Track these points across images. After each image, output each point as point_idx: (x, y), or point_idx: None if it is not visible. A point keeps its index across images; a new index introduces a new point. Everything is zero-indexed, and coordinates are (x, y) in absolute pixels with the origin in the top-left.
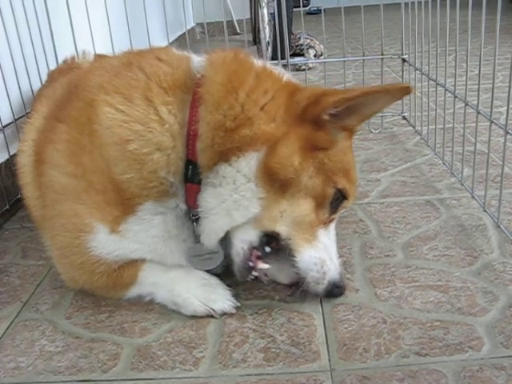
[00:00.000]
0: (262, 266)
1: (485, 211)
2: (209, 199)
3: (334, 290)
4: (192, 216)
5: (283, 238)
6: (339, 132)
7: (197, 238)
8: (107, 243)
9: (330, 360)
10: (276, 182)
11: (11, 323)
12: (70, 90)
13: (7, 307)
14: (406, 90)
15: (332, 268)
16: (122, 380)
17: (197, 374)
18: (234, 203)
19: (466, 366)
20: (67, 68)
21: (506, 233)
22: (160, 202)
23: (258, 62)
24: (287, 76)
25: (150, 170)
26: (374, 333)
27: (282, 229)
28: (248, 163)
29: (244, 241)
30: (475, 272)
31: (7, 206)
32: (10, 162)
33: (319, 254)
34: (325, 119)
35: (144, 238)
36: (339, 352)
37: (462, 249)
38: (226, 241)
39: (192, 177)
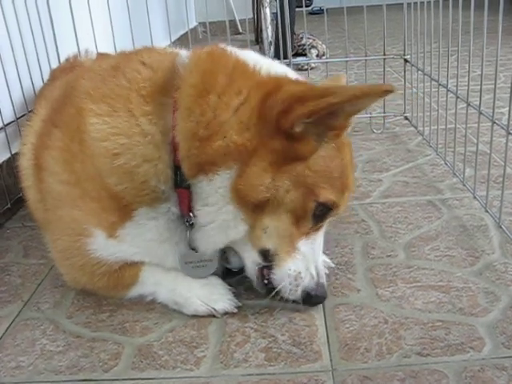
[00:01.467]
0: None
1: (486, 212)
2: (202, 213)
3: (308, 299)
4: (186, 221)
5: (271, 254)
6: (322, 135)
7: (190, 244)
8: (106, 246)
9: (331, 360)
10: (249, 204)
11: (12, 322)
12: (65, 93)
13: (8, 306)
14: (387, 92)
15: (307, 278)
16: (123, 379)
17: (198, 373)
18: (223, 222)
19: (467, 367)
20: (70, 67)
21: (507, 233)
22: (152, 208)
23: (236, 56)
24: (271, 67)
25: (141, 181)
26: (375, 333)
27: (267, 244)
28: (222, 183)
29: (253, 263)
30: (477, 272)
31: (8, 205)
32: (12, 161)
33: (295, 266)
34: (298, 131)
35: (140, 241)
36: (340, 352)
37: (463, 249)
38: (224, 249)
39: (181, 182)
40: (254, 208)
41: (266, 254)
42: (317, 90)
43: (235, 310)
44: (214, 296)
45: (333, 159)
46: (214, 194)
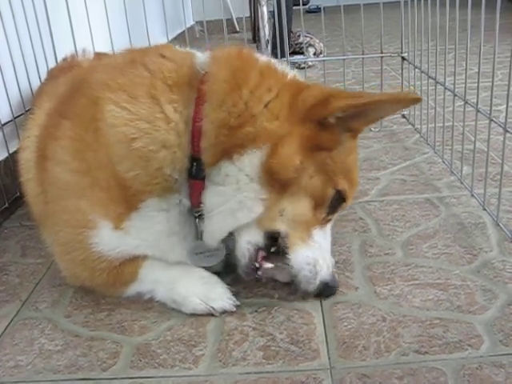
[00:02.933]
0: (267, 265)
1: (484, 209)
2: (212, 198)
3: (325, 290)
4: (195, 213)
5: (282, 237)
6: (344, 132)
7: (199, 235)
8: (110, 239)
9: (329, 358)
10: (277, 182)
11: (10, 322)
12: (73, 87)
13: (6, 306)
14: (415, 101)
15: (324, 268)
16: (121, 378)
17: (197, 372)
18: (237, 203)
19: (465, 364)
20: (68, 66)
21: (505, 231)
22: (163, 198)
23: (262, 59)
24: (292, 73)
25: (155, 168)
26: (373, 331)
27: (281, 227)
28: (250, 161)
29: (249, 242)
30: (474, 270)
31: (6, 204)
32: (10, 161)
33: (313, 254)
34: (331, 122)
35: (147, 234)
36: (339, 350)
37: (461, 247)
38: (228, 239)
39: (196, 173)
40: (279, 187)
41: (274, 237)
42: (348, 92)
43: (234, 309)
44: (212, 295)
45: (348, 155)
46: (235, 174)
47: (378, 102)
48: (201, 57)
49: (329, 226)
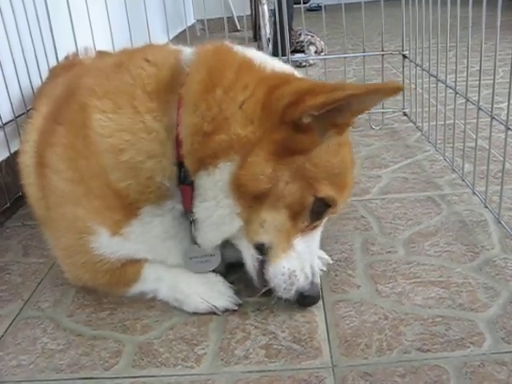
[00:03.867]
0: None
1: (486, 207)
2: (199, 211)
3: (303, 299)
4: (189, 217)
5: (266, 248)
6: (326, 131)
7: (193, 239)
8: (110, 245)
9: (331, 356)
10: (248, 195)
11: (13, 321)
12: (68, 91)
13: (9, 305)
14: (397, 90)
15: (301, 278)
16: (123, 377)
17: (199, 370)
18: (219, 218)
19: (467, 362)
20: (69, 64)
21: (506, 229)
22: (157, 205)
23: (241, 53)
24: (272, 65)
25: (146, 177)
26: (375, 329)
27: (264, 239)
28: (222, 176)
29: (252, 256)
30: (476, 268)
31: (8, 204)
32: (11, 160)
33: (290, 265)
34: (305, 122)
35: (146, 239)
36: (341, 348)
37: (463, 245)
38: (224, 245)
39: (184, 179)
40: (253, 200)
41: (261, 248)
42: (326, 85)
43: (236, 308)
44: (214, 293)
45: (334, 155)
46: (212, 188)
47: (355, 95)
48: (187, 54)
49: (316, 232)
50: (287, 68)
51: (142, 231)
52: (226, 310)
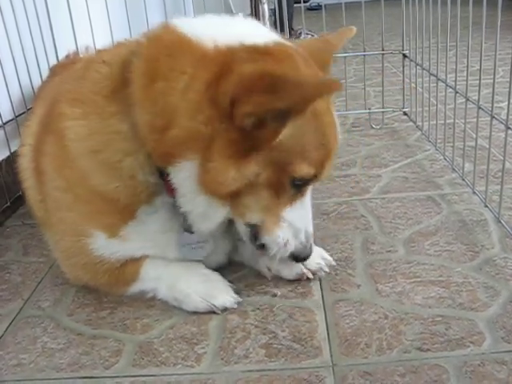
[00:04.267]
0: None
1: (486, 206)
2: (182, 204)
3: (297, 259)
4: (179, 207)
5: (257, 225)
6: (283, 117)
7: (185, 227)
8: (108, 246)
9: (331, 356)
10: (222, 195)
11: (13, 320)
12: (54, 96)
13: (9, 304)
14: (336, 90)
15: (296, 244)
16: (123, 376)
17: (199, 370)
18: (202, 211)
19: (467, 361)
20: (70, 63)
21: (506, 228)
22: (150, 203)
23: (178, 31)
24: (220, 36)
25: (129, 176)
26: (375, 328)
27: (253, 219)
28: (186, 174)
29: (245, 227)
30: (476, 267)
31: (8, 203)
32: (11, 159)
33: (283, 234)
34: (249, 124)
35: (144, 237)
36: (341, 347)
37: (463, 244)
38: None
39: (163, 173)
40: (228, 196)
41: (253, 226)
42: (267, 78)
43: (235, 306)
44: (213, 292)
45: (303, 134)
46: (184, 185)
47: (295, 103)
48: (139, 44)
49: (304, 198)
50: (237, 29)
51: (140, 231)
52: (226, 309)
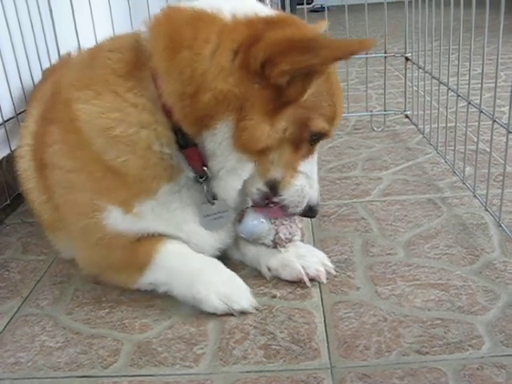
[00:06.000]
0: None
1: (486, 210)
2: (214, 163)
3: (310, 212)
4: (200, 178)
5: (278, 181)
6: (309, 76)
7: (207, 198)
8: (122, 222)
9: (330, 357)
10: (256, 152)
11: (11, 318)
12: (53, 92)
13: (7, 302)
14: (367, 48)
15: (311, 194)
16: (122, 376)
17: (197, 370)
18: (231, 167)
19: (466, 365)
20: (60, 66)
21: (507, 232)
22: (174, 182)
23: (189, 9)
24: (232, 14)
25: (143, 148)
26: (374, 331)
27: (275, 174)
28: (223, 135)
29: (258, 189)
30: (476, 271)
31: (8, 201)
32: (11, 157)
33: (300, 183)
34: (284, 81)
35: (162, 215)
36: (339, 349)
37: (463, 247)
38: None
39: (185, 143)
40: (259, 152)
41: (272, 184)
42: (300, 42)
43: (253, 311)
44: (234, 295)
45: (321, 92)
46: (218, 147)
47: (330, 61)
48: (143, 33)
49: (313, 156)
50: (249, 5)
51: (159, 209)
52: (243, 313)
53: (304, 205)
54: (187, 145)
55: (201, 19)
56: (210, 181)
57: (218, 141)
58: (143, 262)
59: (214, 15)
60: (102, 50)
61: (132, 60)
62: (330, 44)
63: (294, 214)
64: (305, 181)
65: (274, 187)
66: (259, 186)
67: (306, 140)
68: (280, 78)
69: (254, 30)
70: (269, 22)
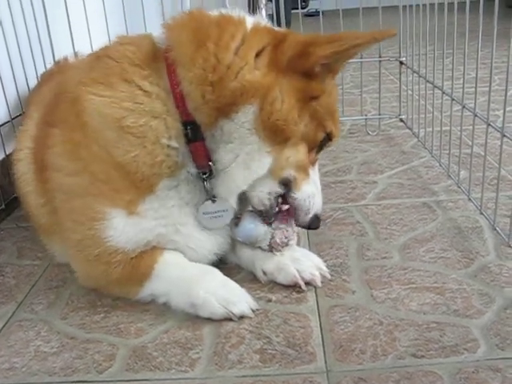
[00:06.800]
0: (285, 207)
1: (481, 213)
2: (223, 155)
3: (315, 222)
4: (202, 175)
5: (291, 181)
6: (326, 76)
7: (208, 196)
8: (125, 227)
9: (326, 361)
10: (279, 136)
11: (6, 323)
12: (56, 94)
13: (2, 307)
14: (391, 35)
15: (317, 201)
16: (117, 381)
17: (193, 375)
18: (247, 155)
19: (461, 368)
20: (58, 70)
21: (502, 235)
22: (173, 177)
23: (214, 13)
24: (252, 20)
25: (152, 141)
26: (370, 334)
27: (290, 173)
28: (247, 117)
29: (270, 193)
30: (471, 274)
31: (3, 206)
32: (6, 162)
33: (311, 189)
34: (316, 70)
35: (162, 212)
36: (335, 353)
37: (458, 251)
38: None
39: (194, 136)
40: (280, 140)
41: (285, 183)
42: (325, 37)
43: (252, 315)
44: (233, 298)
45: (331, 95)
46: (237, 130)
47: (359, 45)
48: (157, 34)
49: (316, 164)
50: (262, 21)
51: (159, 205)
52: (242, 317)
53: (312, 212)
54: (195, 138)
55: (228, 21)
56: (213, 178)
57: (238, 124)
58: (143, 274)
59: (240, 21)
60: (112, 47)
61: (148, 53)
62: (354, 33)
63: (299, 225)
64: (314, 188)
65: (287, 186)
66: (272, 187)
67: (318, 142)
68: (317, 63)
69: (274, 35)
70: (284, 33)
